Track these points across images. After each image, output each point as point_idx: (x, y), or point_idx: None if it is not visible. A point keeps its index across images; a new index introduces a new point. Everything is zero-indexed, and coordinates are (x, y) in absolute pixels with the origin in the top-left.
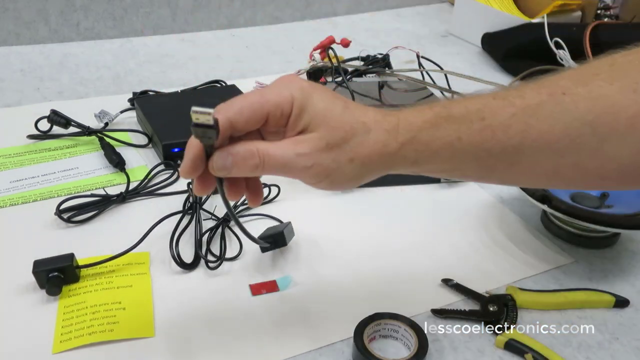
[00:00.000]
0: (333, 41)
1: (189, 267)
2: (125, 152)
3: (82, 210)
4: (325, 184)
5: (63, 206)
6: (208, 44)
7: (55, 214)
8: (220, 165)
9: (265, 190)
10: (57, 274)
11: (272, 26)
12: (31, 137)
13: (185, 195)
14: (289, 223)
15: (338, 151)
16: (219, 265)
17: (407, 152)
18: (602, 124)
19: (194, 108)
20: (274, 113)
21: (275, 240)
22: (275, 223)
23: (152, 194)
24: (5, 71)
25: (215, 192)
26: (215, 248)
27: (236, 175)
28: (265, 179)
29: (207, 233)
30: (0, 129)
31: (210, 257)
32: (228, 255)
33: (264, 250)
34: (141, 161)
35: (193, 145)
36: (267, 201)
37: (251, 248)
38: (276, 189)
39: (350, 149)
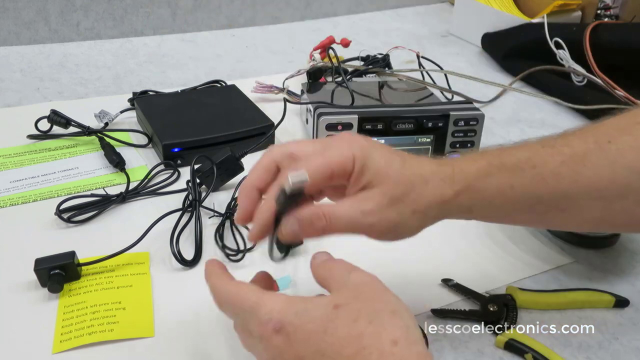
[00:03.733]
0: (333, 41)
1: (189, 263)
2: (125, 152)
3: (82, 210)
4: (391, 236)
5: (63, 206)
6: (208, 44)
7: (55, 214)
8: (290, 232)
9: None
10: (58, 271)
11: (272, 26)
12: (31, 137)
13: (184, 193)
14: None
15: (401, 205)
16: (242, 257)
17: (463, 200)
18: None
19: (292, 174)
20: (338, 172)
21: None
22: None
23: (152, 193)
24: (5, 71)
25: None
26: (227, 242)
27: (306, 237)
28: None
29: (217, 230)
30: (0, 129)
31: (227, 251)
32: (242, 246)
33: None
34: (141, 161)
35: (265, 211)
36: None
37: (259, 242)
38: None
39: (411, 201)
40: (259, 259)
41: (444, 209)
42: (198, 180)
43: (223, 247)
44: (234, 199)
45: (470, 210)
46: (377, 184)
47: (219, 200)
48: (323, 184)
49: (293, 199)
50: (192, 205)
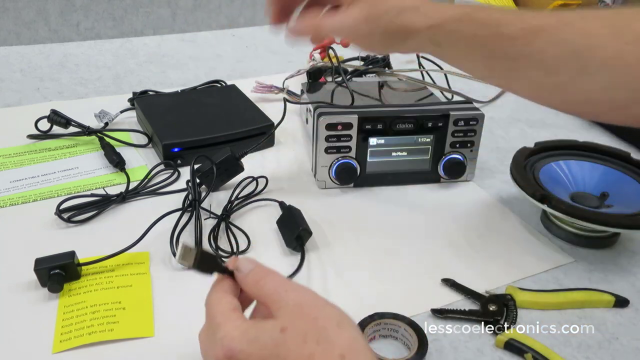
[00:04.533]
0: (333, 41)
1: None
2: (125, 152)
3: (82, 210)
4: (363, 45)
5: (63, 206)
6: (208, 44)
7: (56, 213)
8: (294, 30)
9: (253, 184)
10: (58, 271)
11: None
12: (31, 137)
13: (184, 193)
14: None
15: (374, 23)
16: None
17: (433, 33)
18: (583, 57)
19: None
20: None
21: (300, 236)
22: (275, 204)
23: (152, 193)
24: (5, 71)
25: None
26: (222, 244)
27: (305, 36)
28: (252, 171)
29: (212, 232)
30: (0, 129)
31: (220, 253)
32: (236, 249)
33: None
34: (141, 161)
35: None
36: (255, 193)
37: (259, 241)
38: (264, 180)
39: (384, 22)
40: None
41: (415, 37)
42: (198, 180)
43: (217, 249)
44: (230, 201)
45: (439, 44)
46: (360, 2)
47: (218, 200)
48: None
49: None
50: (192, 205)
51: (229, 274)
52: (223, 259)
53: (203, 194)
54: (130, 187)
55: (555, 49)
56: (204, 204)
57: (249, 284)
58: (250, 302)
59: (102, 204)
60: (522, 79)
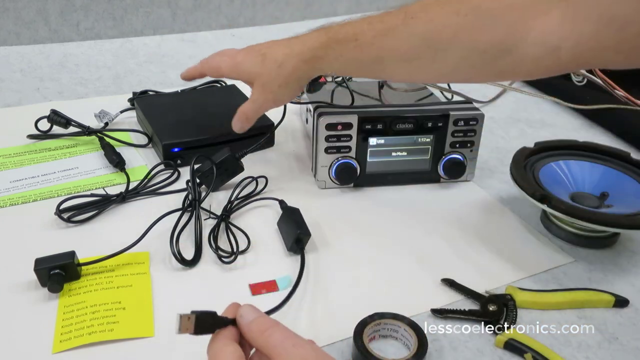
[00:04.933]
0: None
1: (189, 263)
2: (125, 152)
3: (82, 210)
4: (275, 103)
5: (63, 206)
6: (208, 44)
7: (55, 213)
8: (236, 126)
9: (253, 184)
10: (58, 271)
11: (272, 26)
12: (31, 137)
13: (184, 193)
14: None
15: (269, 87)
16: (234, 259)
17: (311, 65)
18: (433, 40)
19: None
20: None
21: (299, 239)
22: (274, 204)
23: (152, 193)
24: (5, 71)
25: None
26: (222, 244)
27: (247, 126)
28: (252, 171)
29: (212, 232)
30: (0, 129)
31: (220, 253)
32: (236, 249)
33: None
34: (141, 161)
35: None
36: (255, 193)
37: (259, 242)
38: (264, 180)
39: (275, 82)
40: (250, 261)
41: (301, 74)
42: (198, 180)
43: (217, 249)
44: (230, 201)
45: (321, 70)
46: (253, 81)
47: (218, 200)
48: (219, 76)
49: None
50: (192, 205)
51: (231, 322)
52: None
53: (203, 194)
54: (130, 187)
55: (407, 43)
56: (204, 204)
57: (253, 332)
58: (250, 349)
59: (102, 204)
60: (389, 71)
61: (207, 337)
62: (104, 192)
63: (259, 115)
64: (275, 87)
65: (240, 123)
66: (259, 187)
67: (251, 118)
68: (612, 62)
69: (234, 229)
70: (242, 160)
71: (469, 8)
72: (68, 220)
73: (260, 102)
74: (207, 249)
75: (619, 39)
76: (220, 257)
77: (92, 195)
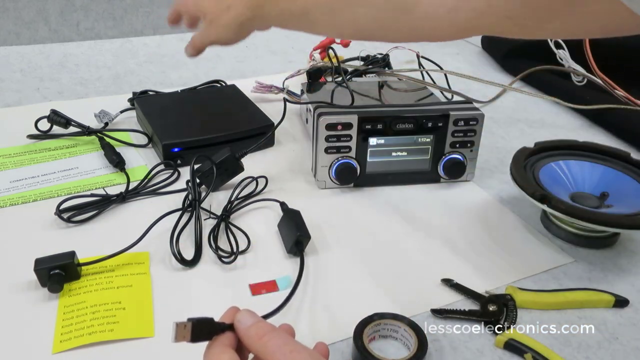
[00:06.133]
0: (333, 41)
1: (189, 263)
2: (125, 152)
3: (82, 210)
4: (227, 40)
5: (63, 206)
6: None
7: (55, 213)
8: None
9: (253, 184)
10: (58, 271)
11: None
12: (31, 137)
13: (184, 193)
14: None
15: (215, 23)
16: (234, 259)
17: (259, 16)
18: None
19: None
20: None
21: (299, 241)
22: (275, 205)
23: (152, 193)
24: (5, 71)
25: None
26: (222, 244)
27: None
28: (252, 171)
29: (212, 232)
30: (0, 129)
31: (220, 253)
32: (235, 249)
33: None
34: (141, 161)
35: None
36: (255, 193)
37: (259, 242)
38: (263, 180)
39: (223, 20)
40: (250, 261)
41: (243, 19)
42: (198, 180)
43: (217, 249)
44: (230, 201)
45: (263, 19)
46: (205, 16)
47: (218, 200)
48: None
49: None
50: (192, 205)
51: (229, 327)
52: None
53: (203, 194)
54: (130, 187)
55: None
56: (204, 204)
57: (251, 338)
58: (248, 355)
59: (102, 204)
60: (316, 24)
61: None
62: (104, 192)
63: (205, 45)
64: (220, 26)
65: (190, 48)
66: (259, 187)
67: (197, 46)
68: (509, 32)
69: (234, 229)
70: (242, 160)
71: None
72: (68, 220)
73: (206, 35)
74: (207, 249)
75: (509, 7)
76: (220, 257)
77: (92, 195)
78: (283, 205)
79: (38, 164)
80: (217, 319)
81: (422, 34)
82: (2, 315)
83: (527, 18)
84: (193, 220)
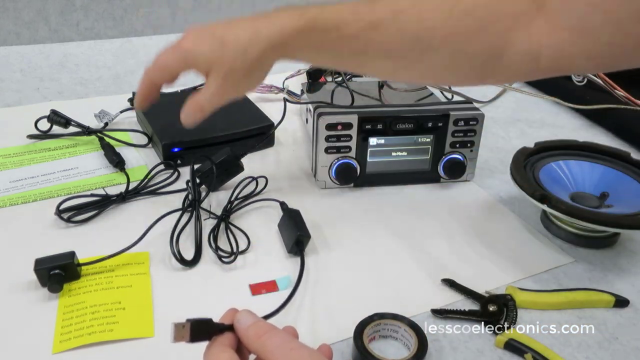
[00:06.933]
0: None
1: (189, 263)
2: (125, 152)
3: (82, 210)
4: (241, 93)
5: (63, 206)
6: None
7: (55, 213)
8: (187, 120)
9: (253, 184)
10: (58, 272)
11: None
12: (31, 137)
13: (184, 193)
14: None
15: (232, 78)
16: (234, 259)
17: (280, 53)
18: (423, 40)
19: None
20: (176, 69)
21: (300, 241)
22: (275, 205)
23: (152, 193)
24: (5, 71)
25: None
26: (222, 244)
27: (199, 119)
28: (252, 171)
29: (212, 232)
30: (0, 129)
31: (220, 253)
32: (235, 249)
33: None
34: (141, 161)
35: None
36: (255, 193)
37: (259, 242)
38: (263, 180)
39: (238, 71)
40: (250, 261)
41: (268, 61)
42: (198, 180)
43: (216, 249)
44: (230, 201)
45: (293, 56)
46: (210, 69)
47: (218, 200)
48: (172, 77)
49: None
50: (192, 205)
51: (228, 328)
52: (218, 322)
53: (203, 194)
54: (130, 187)
55: (395, 39)
56: (204, 204)
57: (250, 337)
58: (248, 355)
59: (102, 204)
60: (372, 68)
61: None
62: (104, 192)
63: (215, 108)
64: (239, 77)
65: (192, 115)
66: (259, 187)
67: (206, 111)
68: (584, 68)
69: (234, 229)
70: (242, 160)
71: (462, 11)
72: (68, 220)
73: (220, 94)
74: (207, 249)
75: (592, 48)
76: (220, 257)
77: (92, 195)
78: (283, 205)
79: (38, 164)
80: (216, 319)
81: (498, 79)
82: (2, 315)
83: (601, 54)
84: (193, 220)
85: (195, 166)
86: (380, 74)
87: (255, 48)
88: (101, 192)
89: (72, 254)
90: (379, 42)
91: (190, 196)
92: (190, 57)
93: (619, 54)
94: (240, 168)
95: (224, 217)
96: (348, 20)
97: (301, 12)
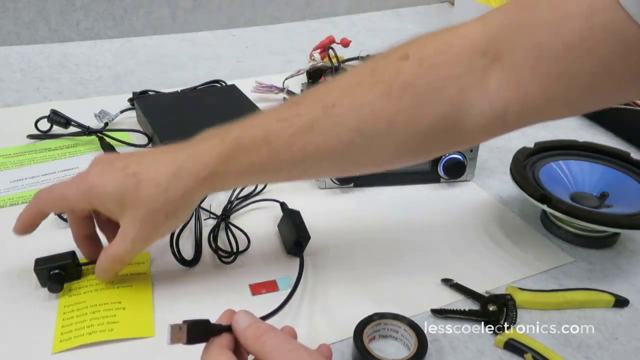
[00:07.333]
0: (333, 41)
1: (189, 263)
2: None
3: None
4: (162, 234)
5: None
6: (208, 44)
7: (55, 213)
8: (104, 276)
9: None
10: (58, 271)
11: (272, 26)
12: (31, 137)
13: None
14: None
15: (152, 220)
16: (234, 259)
17: (208, 185)
18: (367, 129)
19: None
20: (79, 214)
21: (299, 242)
22: (275, 205)
23: None
24: (5, 71)
25: None
26: (222, 244)
27: (119, 271)
28: None
29: (212, 232)
30: (0, 129)
31: (220, 253)
32: (235, 249)
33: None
34: None
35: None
36: (255, 193)
37: (259, 242)
38: None
39: (159, 212)
40: (250, 261)
41: (193, 198)
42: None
43: (216, 249)
44: (230, 201)
45: (222, 187)
46: (124, 211)
47: (218, 200)
48: (68, 210)
49: None
50: None
51: (225, 329)
52: (215, 323)
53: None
54: None
55: (334, 136)
56: (204, 204)
57: (248, 338)
58: (246, 356)
59: None
60: (316, 172)
61: None
62: None
63: (134, 256)
64: (161, 219)
65: (111, 270)
66: (259, 187)
67: (125, 262)
68: (562, 114)
69: (234, 229)
70: None
71: (400, 88)
72: (67, 220)
73: (139, 240)
74: (207, 249)
75: (569, 93)
76: (220, 257)
77: None
78: (283, 205)
79: (38, 164)
80: (216, 318)
81: (463, 145)
82: (2, 315)
83: (579, 98)
84: (193, 220)
85: None
86: (328, 174)
87: (177, 185)
88: None
89: (72, 254)
90: (316, 144)
91: None
92: (97, 193)
93: (601, 95)
94: None
95: (224, 217)
96: (275, 130)
97: (222, 136)
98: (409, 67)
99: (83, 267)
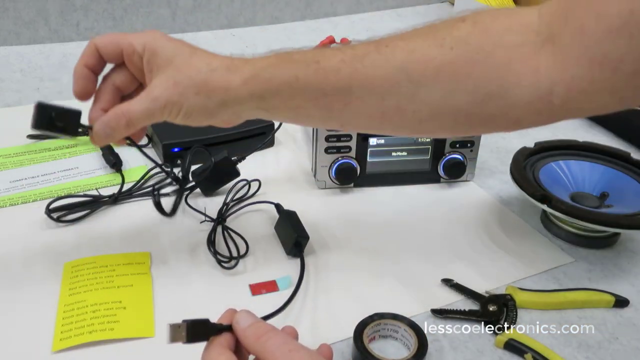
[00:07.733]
0: (333, 41)
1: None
2: (125, 152)
3: (72, 210)
4: (181, 117)
5: (55, 206)
6: (208, 44)
7: (45, 213)
8: (102, 135)
9: (248, 186)
10: (62, 114)
11: (272, 26)
12: (31, 137)
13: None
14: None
15: (183, 87)
16: (235, 264)
17: (250, 87)
18: (414, 72)
19: None
20: (128, 50)
21: (299, 242)
22: (270, 207)
23: (146, 195)
24: (5, 71)
25: None
26: (220, 248)
27: (120, 138)
28: (252, 172)
29: (209, 237)
30: (0, 129)
31: (219, 257)
32: (234, 253)
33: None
34: (141, 161)
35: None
36: (250, 196)
37: (257, 245)
38: (256, 183)
39: (194, 85)
40: (250, 263)
41: (231, 96)
42: (193, 183)
43: (215, 254)
44: (226, 203)
45: (262, 98)
46: (164, 69)
47: (214, 203)
48: (116, 56)
49: None
50: (177, 181)
51: (226, 328)
52: (215, 323)
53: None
54: (127, 188)
55: (381, 71)
56: (199, 207)
57: (249, 338)
58: (247, 356)
59: (93, 204)
60: (360, 110)
61: None
62: (97, 193)
63: (144, 124)
64: (190, 92)
65: (113, 127)
66: (253, 189)
67: (132, 123)
68: (606, 105)
69: (231, 232)
70: (241, 163)
71: (453, 41)
72: (57, 220)
73: (160, 101)
74: (199, 254)
75: (614, 80)
76: (219, 262)
77: (84, 195)
78: (278, 206)
79: (38, 164)
80: (217, 318)
81: (506, 121)
82: (2, 314)
83: (626, 87)
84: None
85: (193, 167)
86: (366, 118)
87: (222, 73)
88: (94, 192)
89: (79, 112)
90: (363, 75)
91: (181, 174)
92: (152, 42)
93: None
94: (236, 173)
95: (221, 221)
96: (327, 55)
97: (275, 53)
98: (464, 26)
99: (83, 267)
